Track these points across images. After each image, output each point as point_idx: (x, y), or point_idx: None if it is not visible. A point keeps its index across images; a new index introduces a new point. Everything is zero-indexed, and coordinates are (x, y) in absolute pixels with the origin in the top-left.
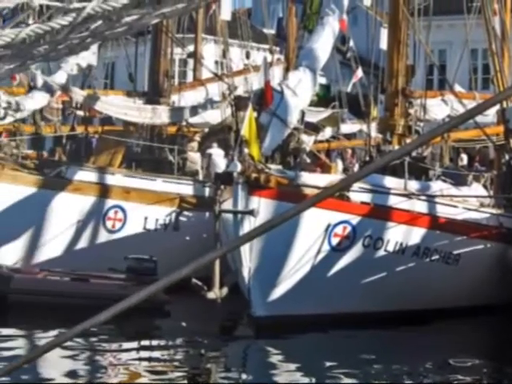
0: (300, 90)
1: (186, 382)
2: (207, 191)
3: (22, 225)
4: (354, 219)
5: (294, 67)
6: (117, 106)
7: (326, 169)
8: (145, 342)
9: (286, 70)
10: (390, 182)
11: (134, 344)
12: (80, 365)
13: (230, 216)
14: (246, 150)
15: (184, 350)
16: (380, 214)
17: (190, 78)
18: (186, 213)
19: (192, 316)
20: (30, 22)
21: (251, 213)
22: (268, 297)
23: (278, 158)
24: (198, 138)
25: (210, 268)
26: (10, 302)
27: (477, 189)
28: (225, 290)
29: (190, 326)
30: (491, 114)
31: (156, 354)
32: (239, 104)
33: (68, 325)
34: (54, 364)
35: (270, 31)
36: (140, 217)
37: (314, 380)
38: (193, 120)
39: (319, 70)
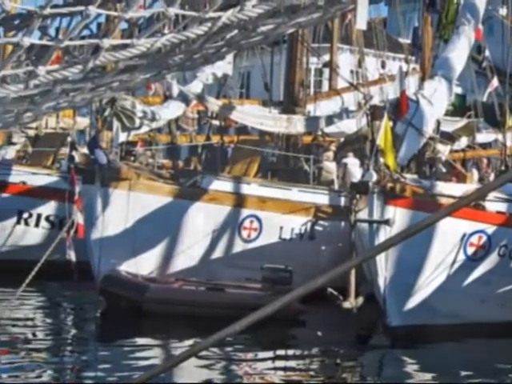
0: (435, 100)
1: None
2: (343, 201)
3: (158, 234)
4: (490, 229)
5: (430, 77)
6: (252, 115)
7: (461, 178)
8: (280, 352)
9: (422, 79)
10: None
11: (270, 353)
12: (215, 374)
13: (365, 225)
14: (381, 160)
15: (319, 359)
16: None
17: (325, 87)
18: (321, 222)
19: (327, 325)
20: (166, 31)
21: (387, 222)
22: (404, 306)
23: (413, 168)
24: (333, 147)
25: (345, 277)
26: (145, 311)
27: None
28: (360, 300)
29: (326, 335)
30: None
31: (291, 363)
32: (375, 113)
33: (203, 334)
34: (190, 373)
35: (405, 41)
36: (275, 226)
37: None
38: (328, 129)
39: (455, 80)
